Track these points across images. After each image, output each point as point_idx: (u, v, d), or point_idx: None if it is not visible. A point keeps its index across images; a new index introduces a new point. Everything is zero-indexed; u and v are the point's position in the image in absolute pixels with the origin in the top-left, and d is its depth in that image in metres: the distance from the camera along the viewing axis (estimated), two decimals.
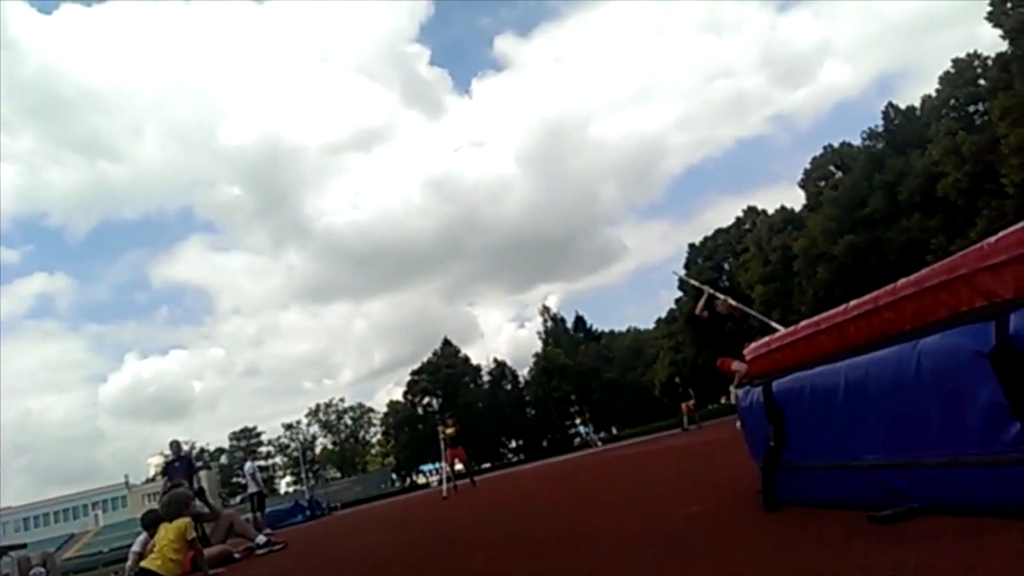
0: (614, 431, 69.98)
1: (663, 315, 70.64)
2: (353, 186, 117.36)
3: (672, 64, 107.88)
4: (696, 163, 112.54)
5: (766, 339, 3.08)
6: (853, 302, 2.41)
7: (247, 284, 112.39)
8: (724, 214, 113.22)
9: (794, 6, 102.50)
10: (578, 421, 77.07)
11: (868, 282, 39.66)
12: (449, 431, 15.77)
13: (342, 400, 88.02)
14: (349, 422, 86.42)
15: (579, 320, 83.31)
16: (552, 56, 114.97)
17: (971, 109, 37.76)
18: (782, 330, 3.16)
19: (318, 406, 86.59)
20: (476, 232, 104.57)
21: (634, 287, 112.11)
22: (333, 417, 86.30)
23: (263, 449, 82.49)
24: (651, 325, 75.47)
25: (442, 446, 15.83)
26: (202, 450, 79.75)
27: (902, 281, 2.16)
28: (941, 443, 1.93)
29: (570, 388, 73.62)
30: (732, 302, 9.52)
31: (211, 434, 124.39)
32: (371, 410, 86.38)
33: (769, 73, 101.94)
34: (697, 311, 9.64)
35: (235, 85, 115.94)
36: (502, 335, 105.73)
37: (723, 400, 45.03)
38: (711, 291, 9.68)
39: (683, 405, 23.63)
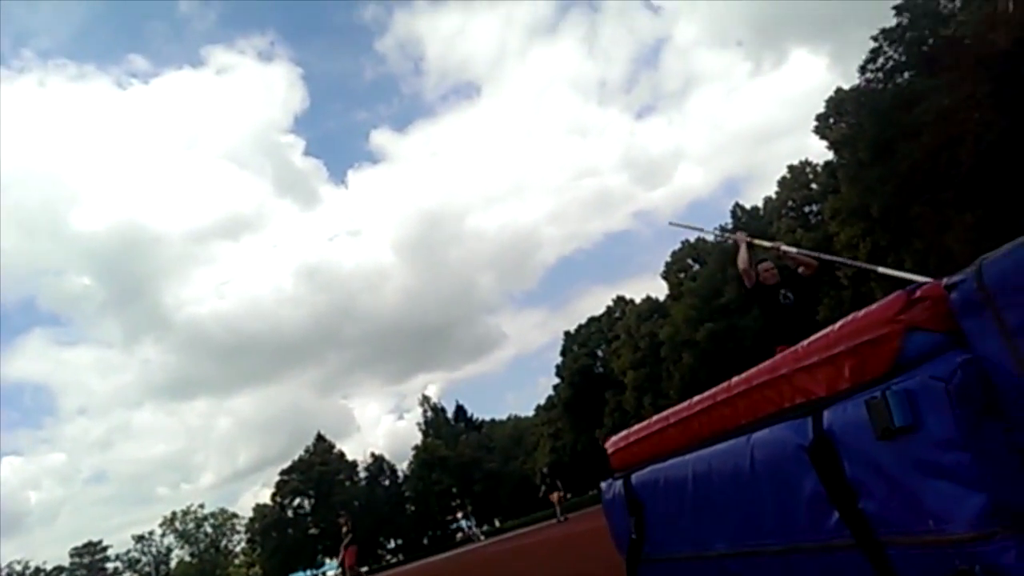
0: (496, 523, 68.41)
1: (542, 402, 71.32)
2: (219, 275, 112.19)
3: (543, 162, 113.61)
4: (568, 254, 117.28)
5: (624, 433, 3.21)
6: (696, 397, 2.59)
7: (95, 381, 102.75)
8: (596, 303, 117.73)
9: (650, 115, 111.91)
10: (460, 515, 74.84)
11: (728, 366, 42.19)
12: (345, 531, 15.41)
13: (201, 506, 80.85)
14: (209, 530, 79.19)
15: (460, 409, 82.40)
16: (428, 151, 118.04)
17: (806, 210, 42.26)
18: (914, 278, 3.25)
19: (174, 514, 78.97)
20: (352, 321, 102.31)
21: (513, 374, 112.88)
22: (191, 525, 78.83)
23: (110, 565, 73.68)
24: (531, 412, 75.83)
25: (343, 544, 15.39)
26: (37, 569, 70.20)
27: (735, 379, 2.36)
28: (776, 531, 2.08)
29: (451, 481, 71.79)
30: (790, 250, 6.40)
31: (49, 550, 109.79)
32: (235, 515, 79.81)
33: (631, 173, 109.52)
34: (741, 265, 6.49)
35: (91, 170, 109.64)
36: (380, 428, 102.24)
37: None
38: (749, 239, 6.70)
39: (552, 496, 23.76)
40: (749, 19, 74.77)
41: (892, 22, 28.85)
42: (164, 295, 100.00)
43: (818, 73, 71.96)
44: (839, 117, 33.21)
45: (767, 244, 6.56)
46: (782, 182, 44.93)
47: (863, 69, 30.13)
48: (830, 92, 34.56)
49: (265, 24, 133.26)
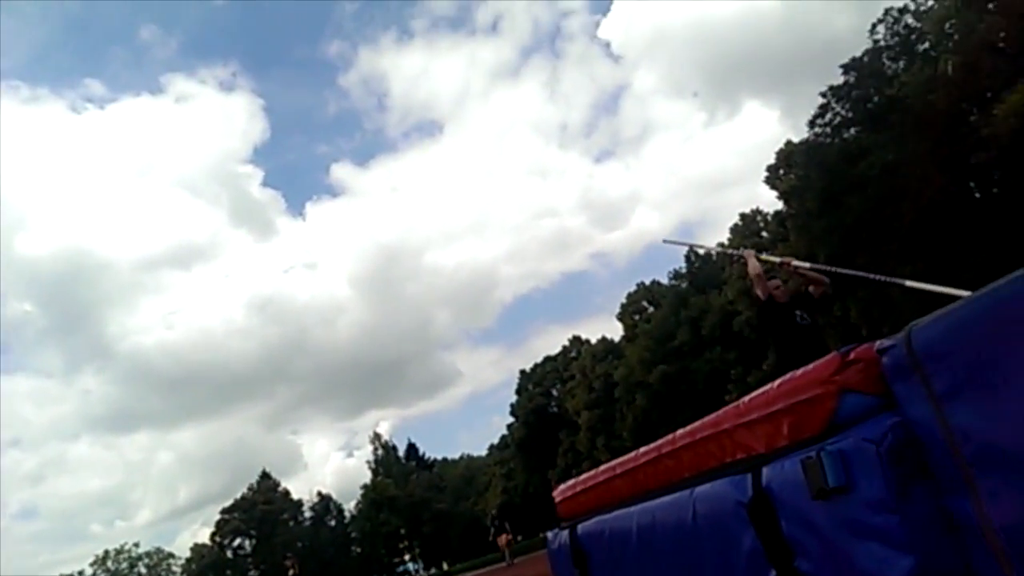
0: (445, 566, 66.86)
1: (495, 441, 70.68)
2: (168, 305, 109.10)
3: (502, 202, 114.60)
4: (526, 293, 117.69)
5: (571, 482, 3.20)
6: (643, 449, 2.60)
7: (31, 412, 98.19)
8: (552, 342, 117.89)
9: (609, 159, 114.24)
10: (407, 557, 72.98)
11: (680, 409, 42.64)
12: (292, 574, 14.75)
13: (136, 545, 77.18)
14: (144, 571, 75.44)
15: (411, 448, 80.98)
16: (389, 186, 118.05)
17: None
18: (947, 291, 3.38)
19: (107, 553, 75.10)
20: (304, 355, 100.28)
21: (467, 412, 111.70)
22: (124, 566, 75.02)
23: None
24: (484, 451, 74.98)
25: None
26: None
27: (680, 432, 2.38)
28: None
29: (400, 521, 70.12)
30: (802, 265, 5.85)
31: None
32: (171, 555, 76.25)
33: (589, 215, 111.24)
34: (754, 272, 6.07)
35: (39, 194, 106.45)
36: (328, 465, 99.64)
37: None
38: (756, 255, 6.33)
39: (500, 539, 23.44)
40: (705, 71, 77.36)
41: (840, 80, 30.21)
42: (109, 324, 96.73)
43: (769, 125, 74.72)
44: (788, 169, 34.39)
45: (775, 259, 6.20)
46: (734, 229, 46.13)
47: (812, 123, 31.36)
48: (780, 144, 35.87)
49: (228, 55, 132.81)
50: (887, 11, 29.44)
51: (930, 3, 28.31)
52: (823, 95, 30.54)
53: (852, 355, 1.69)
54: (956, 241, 24.43)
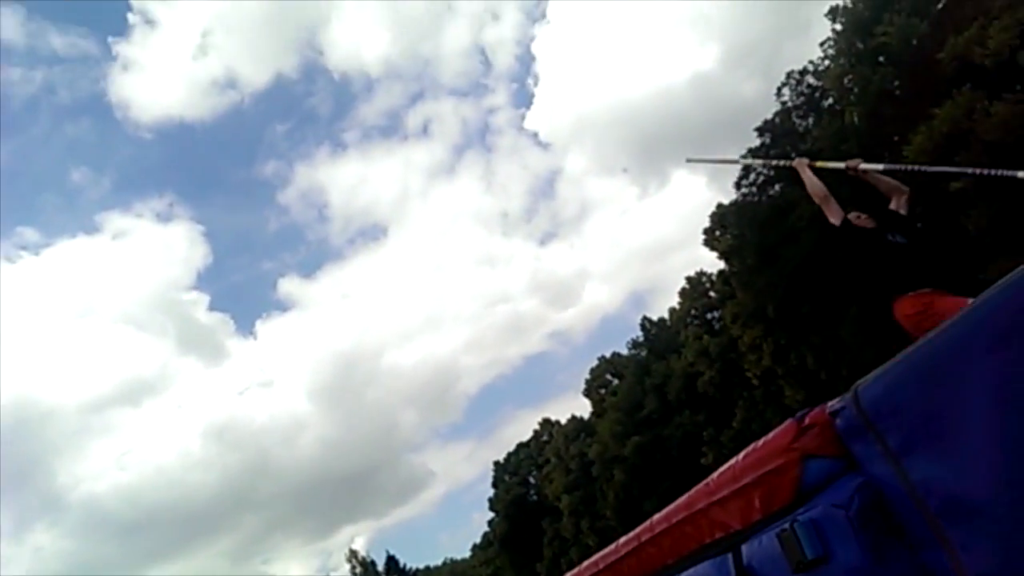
0: None
1: (478, 540, 68.16)
2: (119, 445, 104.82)
3: (454, 294, 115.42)
4: (490, 382, 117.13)
5: None
6: (622, 539, 2.54)
7: None
8: (522, 428, 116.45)
9: (553, 240, 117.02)
10: None
11: (659, 478, 42.09)
12: None
13: None
14: None
15: (391, 560, 77.25)
16: (339, 294, 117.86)
17: (708, 316, 44.23)
18: None
19: None
20: (268, 479, 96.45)
21: (445, 513, 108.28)
22: None
23: None
24: (467, 553, 72.10)
25: None
26: None
27: (656, 516, 2.34)
28: None
29: None
30: (872, 167, 4.80)
31: None
32: None
33: (541, 296, 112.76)
34: (817, 193, 4.82)
35: None
36: None
37: None
38: (809, 163, 5.11)
39: None
40: (631, 148, 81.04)
41: (757, 142, 31.92)
42: (58, 474, 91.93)
43: (699, 191, 78.02)
44: (724, 229, 35.67)
45: (833, 165, 5.04)
46: (683, 292, 47.11)
47: (738, 185, 32.85)
48: (712, 207, 37.32)
49: (163, 186, 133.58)
50: (789, 74, 31.57)
51: (827, 63, 30.48)
52: (744, 157, 32.13)
53: (807, 420, 1.71)
54: (891, 276, 25.42)
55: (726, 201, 36.07)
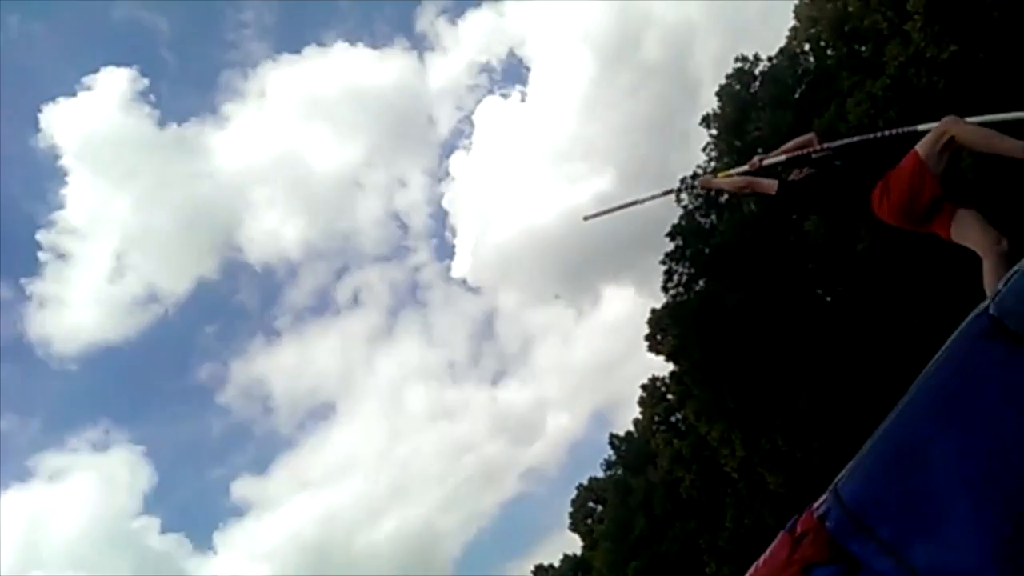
0: None
1: None
2: None
3: (417, 455, 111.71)
4: (472, 538, 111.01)
5: None
6: None
7: None
8: None
9: (503, 378, 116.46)
10: None
11: None
12: None
13: None
14: None
15: None
16: (297, 483, 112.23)
17: (673, 419, 44.11)
18: None
19: None
20: None
21: None
22: None
23: None
24: None
25: None
26: None
27: None
28: None
29: None
30: (772, 159, 4.80)
31: None
32: None
33: (505, 437, 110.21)
34: (737, 185, 5.01)
35: None
36: None
37: None
38: (711, 177, 5.39)
39: None
40: (557, 274, 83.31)
41: (671, 246, 33.49)
42: None
43: (631, 301, 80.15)
44: (663, 332, 36.43)
45: (737, 171, 5.11)
46: (642, 401, 47.09)
47: (665, 289, 34.02)
48: (646, 313, 38.26)
49: (96, 414, 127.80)
50: (683, 179, 33.81)
51: (712, 164, 32.90)
52: (663, 263, 33.58)
53: (799, 528, 1.70)
54: (826, 340, 26.29)
55: (658, 305, 37.20)
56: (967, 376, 1.36)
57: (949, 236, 3.99)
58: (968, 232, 3.91)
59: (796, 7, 30.96)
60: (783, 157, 4.87)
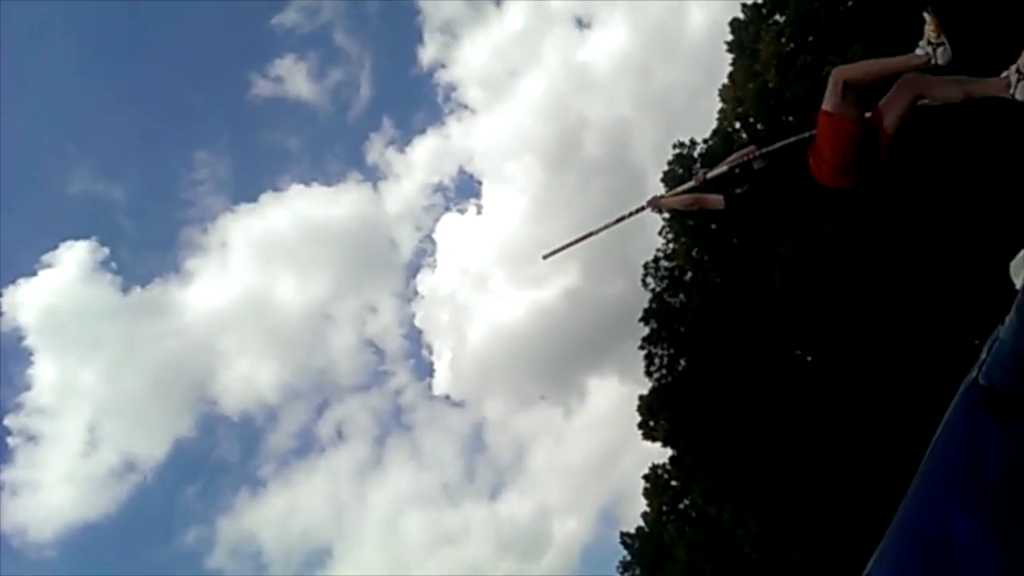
0: None
1: None
2: None
3: None
4: None
5: None
6: None
7: None
8: None
9: (502, 491, 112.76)
10: None
11: None
12: None
13: None
14: None
15: None
16: None
17: (681, 507, 42.89)
18: None
19: None
20: None
21: None
22: None
23: None
24: None
25: None
26: None
27: None
28: None
29: None
30: (713, 172, 5.11)
31: None
32: None
33: (513, 553, 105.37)
34: (685, 203, 5.26)
35: None
36: None
37: None
38: (658, 198, 5.46)
39: None
40: (538, 375, 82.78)
41: (646, 330, 33.74)
42: None
43: (616, 390, 79.58)
44: (655, 418, 36.05)
45: (683, 187, 5.29)
46: (646, 492, 45.83)
47: (648, 373, 33.96)
48: (635, 401, 37.98)
49: None
50: (645, 266, 34.56)
51: (671, 245, 33.81)
52: (641, 347, 33.69)
53: None
54: (815, 400, 26.24)
55: (644, 391, 36.97)
56: (970, 451, 1.32)
57: (891, 128, 4.15)
58: (893, 100, 4.16)
59: (720, 91, 32.91)
60: (726, 168, 5.13)
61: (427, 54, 77.94)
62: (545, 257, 7.07)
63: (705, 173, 5.12)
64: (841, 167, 4.29)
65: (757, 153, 4.93)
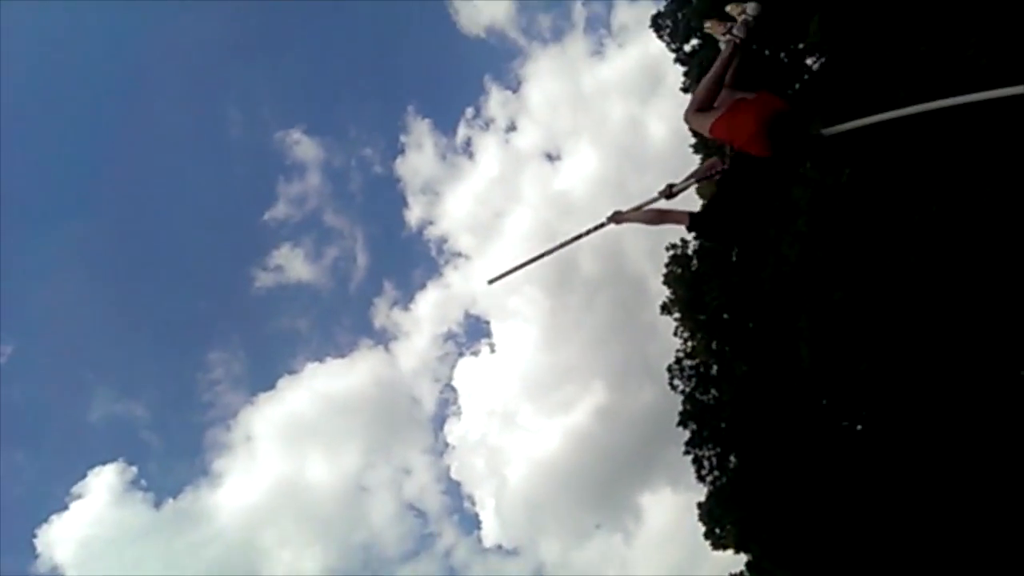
0: None
1: None
2: None
3: None
4: None
5: None
6: None
7: None
8: None
9: None
10: None
11: None
12: None
13: None
14: None
15: None
16: None
17: None
18: None
19: None
20: None
21: None
22: None
23: None
24: None
25: None
26: None
27: None
28: None
29: None
30: (680, 185, 5.26)
31: None
32: None
33: None
34: (654, 219, 5.27)
35: None
36: None
37: None
38: (619, 214, 5.44)
39: None
40: (590, 505, 79.43)
41: (687, 434, 32.89)
42: None
43: (671, 502, 76.11)
44: (719, 523, 34.31)
45: (647, 200, 5.28)
46: None
47: (701, 478, 32.72)
48: (695, 510, 36.27)
49: None
50: (669, 368, 34.24)
51: (689, 344, 33.68)
52: (687, 452, 32.72)
53: None
54: (876, 468, 25.10)
55: (701, 497, 35.37)
56: None
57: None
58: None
59: (696, 189, 34.06)
60: (693, 181, 5.28)
61: (414, 215, 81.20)
62: (491, 282, 6.86)
63: (671, 187, 5.21)
64: (754, 139, 4.49)
65: (723, 167, 5.00)
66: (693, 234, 5.00)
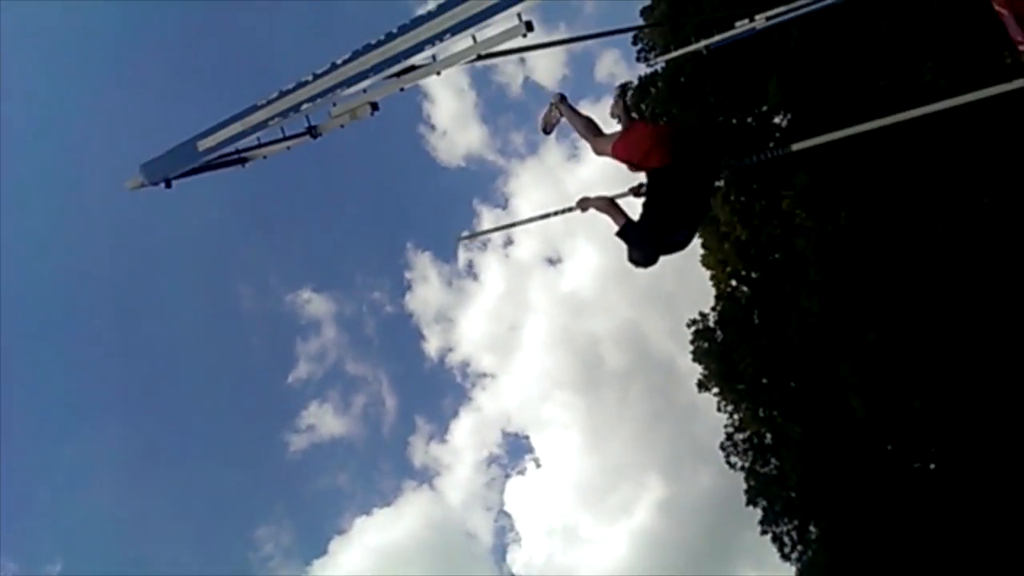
0: None
1: None
2: None
3: None
4: None
5: None
6: None
7: None
8: None
9: None
10: None
11: None
12: None
13: None
14: None
15: None
16: None
17: None
18: None
19: None
20: None
21: None
22: None
23: None
24: None
25: None
26: None
27: None
28: None
29: None
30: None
31: None
32: None
33: None
34: (605, 207, 5.42)
35: None
36: None
37: None
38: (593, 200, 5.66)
39: None
40: None
41: (758, 512, 31.25)
42: None
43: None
44: None
45: (611, 196, 5.75)
46: None
47: (786, 556, 30.77)
48: None
49: None
50: (722, 445, 33.02)
51: (736, 416, 32.70)
52: (764, 532, 30.99)
53: None
54: (964, 505, 23.54)
55: (791, 575, 33.19)
56: None
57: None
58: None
59: (701, 261, 34.12)
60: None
61: (432, 346, 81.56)
62: (461, 239, 8.75)
63: (642, 186, 5.55)
64: (652, 151, 5.03)
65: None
66: (619, 239, 5.25)
